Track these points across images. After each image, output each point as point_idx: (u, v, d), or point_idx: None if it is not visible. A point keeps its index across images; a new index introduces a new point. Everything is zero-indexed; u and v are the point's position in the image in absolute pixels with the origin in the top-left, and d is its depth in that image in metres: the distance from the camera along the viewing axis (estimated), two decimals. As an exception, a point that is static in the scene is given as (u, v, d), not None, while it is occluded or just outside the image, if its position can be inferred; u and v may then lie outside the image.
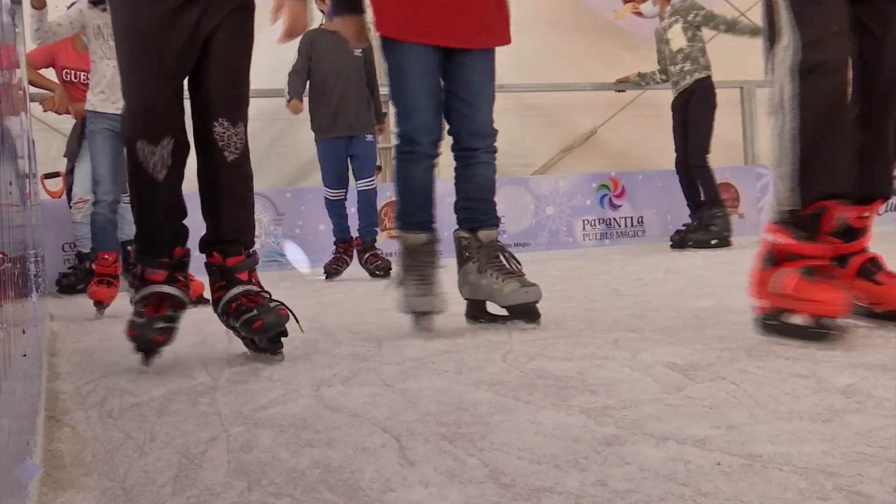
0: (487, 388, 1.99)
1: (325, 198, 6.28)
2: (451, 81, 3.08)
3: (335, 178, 6.21)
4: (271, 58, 6.51)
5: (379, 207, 6.50)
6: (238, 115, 2.64)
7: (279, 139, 7.60)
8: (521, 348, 2.51)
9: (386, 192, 6.77)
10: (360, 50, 5.92)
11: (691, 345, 2.39)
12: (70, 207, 5.85)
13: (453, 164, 3.15)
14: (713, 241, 6.96)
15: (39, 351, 2.40)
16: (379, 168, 7.23)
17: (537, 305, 2.99)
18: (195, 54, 2.60)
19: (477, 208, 3.12)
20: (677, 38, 6.99)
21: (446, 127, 3.12)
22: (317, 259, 6.60)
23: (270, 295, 2.64)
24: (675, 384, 1.92)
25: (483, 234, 3.09)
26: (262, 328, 2.56)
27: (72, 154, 5.90)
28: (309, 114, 6.22)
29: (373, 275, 6.18)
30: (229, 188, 2.67)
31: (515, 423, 1.66)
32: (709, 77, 6.98)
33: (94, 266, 4.62)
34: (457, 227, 3.14)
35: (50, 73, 5.96)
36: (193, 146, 2.67)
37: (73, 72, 5.80)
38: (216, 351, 2.84)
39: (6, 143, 1.43)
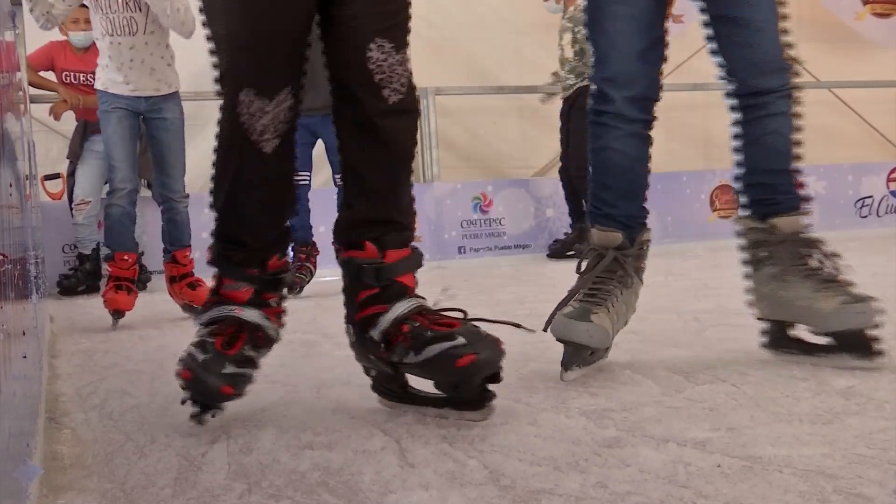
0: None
1: None
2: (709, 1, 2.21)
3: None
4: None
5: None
6: (400, 37, 1.81)
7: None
8: (521, 350, 2.51)
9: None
10: None
11: (691, 347, 2.39)
12: (71, 209, 5.85)
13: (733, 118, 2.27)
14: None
15: (40, 352, 2.40)
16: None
17: (873, 330, 2.03)
18: None
19: (771, 184, 2.21)
20: (567, 48, 6.83)
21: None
22: (318, 260, 6.59)
23: (465, 313, 1.80)
24: (675, 386, 1.92)
25: (783, 223, 2.19)
26: (472, 368, 1.67)
27: (74, 155, 5.90)
28: None
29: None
30: (390, 144, 1.81)
31: (515, 425, 1.66)
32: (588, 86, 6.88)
33: (108, 268, 4.09)
34: (741, 212, 2.34)
35: (49, 76, 5.96)
36: (332, 92, 1.85)
37: (72, 73, 5.80)
38: (216, 353, 2.84)
39: (6, 146, 1.43)
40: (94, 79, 5.79)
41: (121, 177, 4.04)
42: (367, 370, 1.89)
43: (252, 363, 1.83)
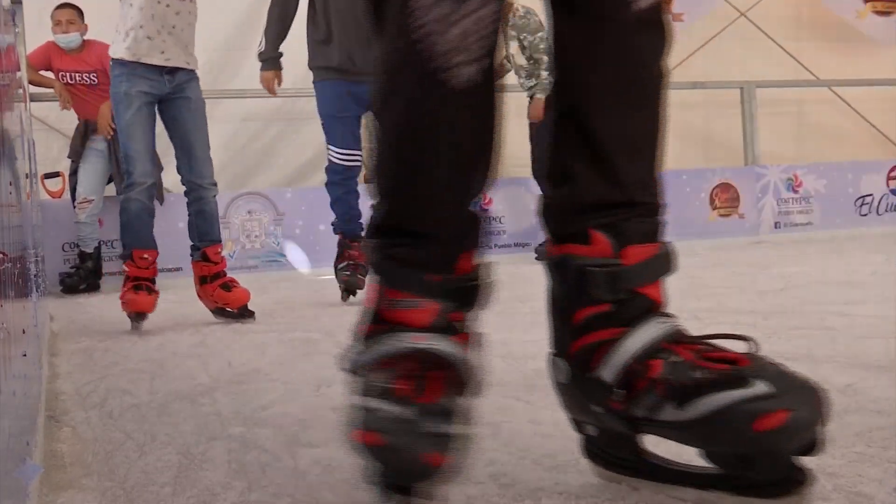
0: (487, 389, 1.99)
1: (331, 162, 4.42)
2: None
3: (345, 133, 4.38)
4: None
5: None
6: None
7: (279, 139, 7.60)
8: (521, 348, 2.51)
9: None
10: None
11: (691, 345, 2.38)
12: (74, 207, 5.85)
13: None
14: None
15: (40, 351, 2.40)
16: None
17: None
18: None
19: None
20: (517, 56, 6.75)
21: None
22: (317, 259, 6.60)
23: (752, 340, 1.22)
24: (675, 384, 1.92)
25: None
26: (782, 434, 1.08)
27: (75, 154, 5.91)
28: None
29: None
30: (640, 72, 1.22)
31: (516, 423, 1.66)
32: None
33: (125, 267, 3.77)
34: None
35: (49, 75, 5.97)
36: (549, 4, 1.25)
37: (68, 73, 5.81)
38: (216, 351, 2.84)
39: (5, 144, 1.43)
40: (90, 78, 5.84)
41: (140, 170, 3.66)
42: (579, 426, 1.28)
43: (457, 417, 1.19)
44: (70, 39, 5.74)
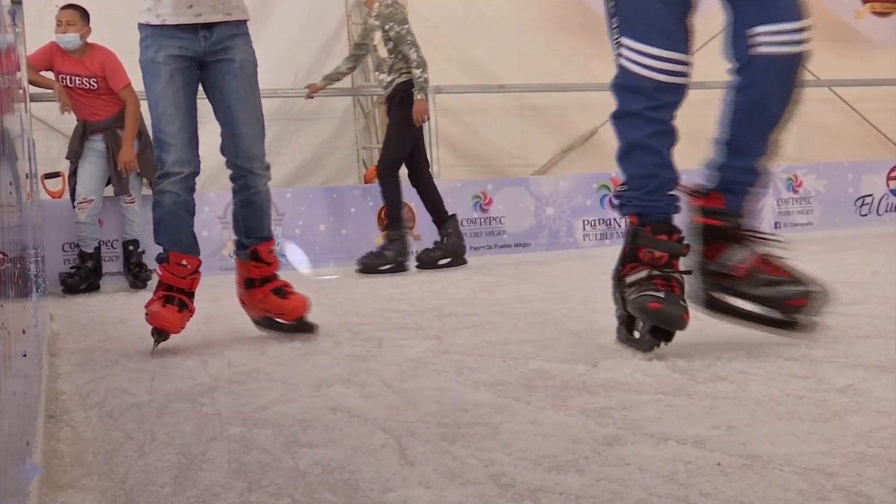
0: (487, 389, 1.99)
1: (629, 73, 2.58)
2: None
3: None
4: (272, 55, 6.53)
5: (379, 207, 6.49)
6: None
7: (279, 139, 7.59)
8: (520, 348, 2.51)
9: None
10: None
11: (691, 345, 2.39)
12: (74, 208, 5.85)
13: None
14: (385, 267, 5.97)
15: (40, 351, 2.40)
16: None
17: None
18: None
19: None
20: (381, 47, 6.31)
21: None
22: (316, 259, 6.60)
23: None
24: (674, 384, 1.92)
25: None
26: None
27: (74, 155, 5.91)
28: None
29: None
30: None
31: (515, 423, 1.66)
32: (410, 82, 6.14)
33: (159, 271, 3.05)
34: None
35: (48, 75, 5.96)
36: None
37: (68, 77, 5.81)
38: (216, 351, 2.84)
39: (6, 144, 1.43)
40: (90, 83, 5.84)
41: (175, 156, 2.92)
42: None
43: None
44: (68, 40, 5.74)
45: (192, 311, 3.00)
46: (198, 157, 2.99)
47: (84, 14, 5.83)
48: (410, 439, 1.59)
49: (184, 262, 2.97)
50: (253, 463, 1.51)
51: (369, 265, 5.98)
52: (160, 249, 3.02)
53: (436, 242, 6.27)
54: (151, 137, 3.08)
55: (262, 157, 3.04)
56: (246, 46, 3.03)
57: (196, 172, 2.98)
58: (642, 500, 1.21)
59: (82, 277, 5.82)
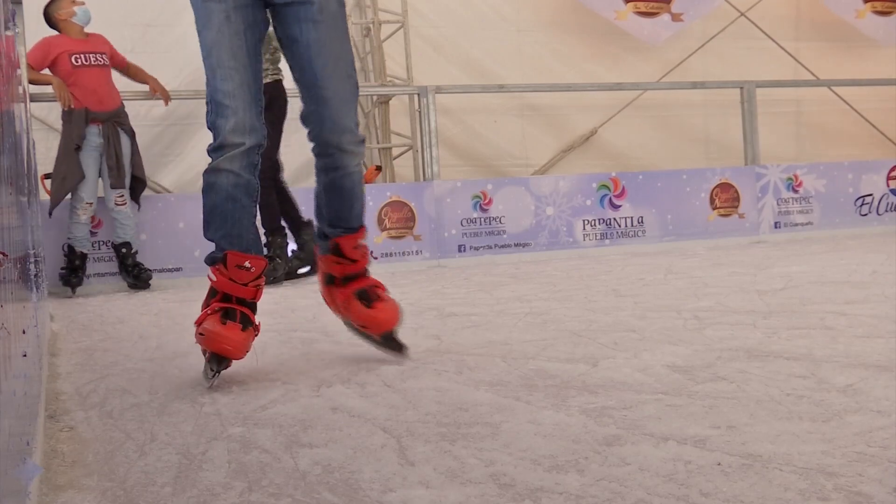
0: (487, 389, 1.99)
1: None
2: None
3: None
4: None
5: (379, 207, 6.50)
6: None
7: (279, 139, 7.59)
8: (521, 348, 2.51)
9: (386, 192, 6.76)
10: None
11: (691, 345, 2.39)
12: (75, 208, 5.83)
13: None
14: (278, 274, 5.68)
15: (40, 351, 2.40)
16: (378, 168, 7.22)
17: None
18: None
19: None
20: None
21: None
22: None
23: None
24: (674, 384, 1.92)
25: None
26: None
27: (80, 138, 5.89)
28: None
29: None
30: None
31: (515, 423, 1.66)
32: (280, 81, 5.81)
33: (211, 276, 2.36)
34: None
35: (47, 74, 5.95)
36: None
37: (82, 55, 5.82)
38: (216, 351, 2.84)
39: (6, 144, 1.43)
40: (101, 59, 5.86)
41: (234, 123, 2.30)
42: None
43: None
44: (85, 11, 5.83)
45: (257, 329, 2.34)
46: (262, 123, 2.36)
47: None
48: (410, 439, 1.59)
49: (247, 265, 2.33)
50: (253, 463, 1.51)
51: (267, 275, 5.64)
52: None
53: (293, 251, 5.87)
54: (207, 98, 2.38)
55: (355, 129, 2.43)
56: None
57: (261, 144, 2.35)
58: (642, 500, 1.21)
59: (81, 278, 5.82)
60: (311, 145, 2.46)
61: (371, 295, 2.47)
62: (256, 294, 2.36)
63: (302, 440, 1.64)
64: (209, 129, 2.36)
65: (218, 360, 2.28)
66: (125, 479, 1.47)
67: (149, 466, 1.53)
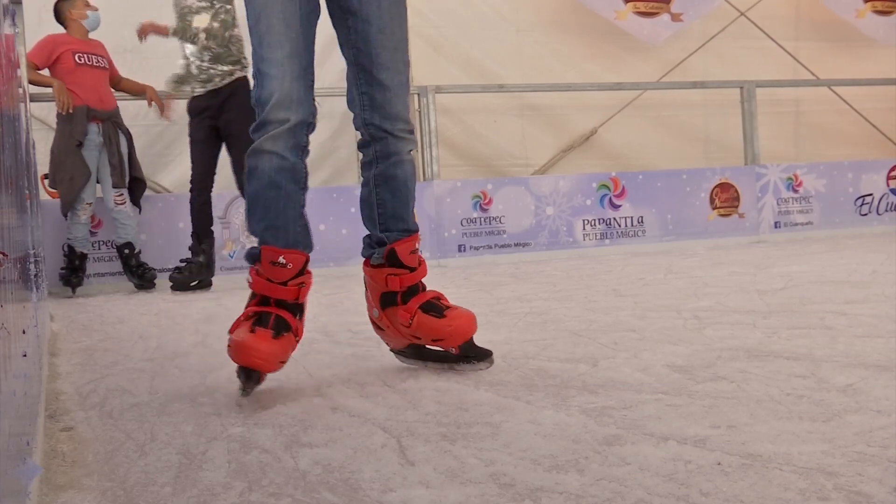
0: (488, 389, 1.99)
1: None
2: None
3: None
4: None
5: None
6: None
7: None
8: (521, 348, 2.51)
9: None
10: None
11: (691, 345, 2.39)
12: (75, 208, 5.83)
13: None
14: (192, 284, 5.56)
15: (40, 351, 2.40)
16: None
17: None
18: None
19: None
20: (200, 33, 5.45)
21: None
22: (317, 259, 6.60)
23: None
24: (675, 384, 1.92)
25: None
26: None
27: (82, 135, 5.89)
28: None
29: None
30: None
31: (515, 423, 1.66)
32: (246, 77, 5.29)
33: (250, 278, 2.16)
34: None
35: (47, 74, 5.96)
36: None
37: (85, 55, 5.84)
38: (216, 351, 2.84)
39: (6, 143, 1.43)
40: (101, 61, 5.90)
41: (279, 96, 2.05)
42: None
43: None
44: (96, 16, 5.91)
45: (298, 335, 2.09)
46: (313, 99, 2.11)
47: None
48: (410, 439, 1.59)
49: (281, 260, 2.07)
50: (253, 463, 1.51)
51: (181, 281, 5.55)
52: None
53: (187, 260, 5.64)
54: (252, 72, 2.14)
55: (407, 118, 2.22)
56: None
57: (309, 123, 2.10)
58: (642, 500, 1.21)
59: (81, 278, 5.82)
60: (356, 135, 2.24)
61: (439, 305, 2.19)
62: (299, 293, 2.10)
63: (302, 440, 1.64)
64: (253, 107, 2.11)
65: (247, 373, 2.04)
66: (125, 478, 1.47)
67: (149, 466, 1.54)
